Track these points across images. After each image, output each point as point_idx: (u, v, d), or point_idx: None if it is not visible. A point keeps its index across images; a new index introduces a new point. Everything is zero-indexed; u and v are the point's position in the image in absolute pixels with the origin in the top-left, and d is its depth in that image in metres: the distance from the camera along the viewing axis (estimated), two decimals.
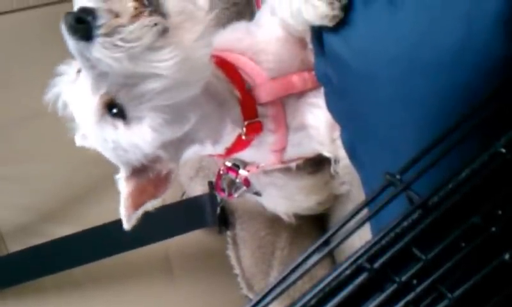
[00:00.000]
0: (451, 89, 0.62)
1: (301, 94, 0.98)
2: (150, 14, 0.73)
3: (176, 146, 0.87)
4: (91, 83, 0.77)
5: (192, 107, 0.84)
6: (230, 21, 1.08)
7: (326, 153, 1.00)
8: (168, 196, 1.36)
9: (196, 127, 0.86)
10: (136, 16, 0.72)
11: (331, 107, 0.84)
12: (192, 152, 0.92)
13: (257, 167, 1.09)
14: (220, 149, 0.98)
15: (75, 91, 0.81)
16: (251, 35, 1.00)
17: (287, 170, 1.16)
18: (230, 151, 0.99)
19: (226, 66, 0.95)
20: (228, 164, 1.10)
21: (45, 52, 1.29)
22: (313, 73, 0.95)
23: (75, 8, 0.72)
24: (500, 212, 0.47)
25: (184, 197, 1.35)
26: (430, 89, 0.64)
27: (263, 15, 1.01)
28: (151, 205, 0.87)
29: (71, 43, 0.72)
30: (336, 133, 0.92)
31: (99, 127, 0.80)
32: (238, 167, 1.10)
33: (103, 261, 1.24)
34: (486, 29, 0.59)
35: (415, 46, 0.64)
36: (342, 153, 0.93)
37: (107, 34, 0.71)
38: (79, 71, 0.81)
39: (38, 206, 1.31)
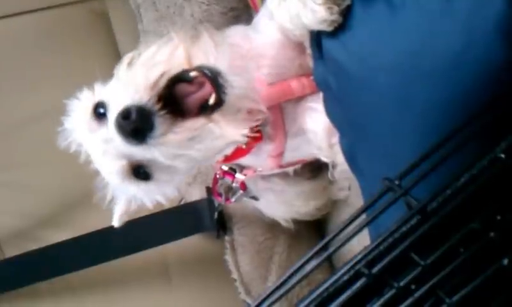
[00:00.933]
0: (451, 96, 0.62)
1: (299, 99, 0.98)
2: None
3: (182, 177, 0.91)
4: (121, 151, 0.78)
5: None
6: (227, 26, 1.07)
7: (324, 158, 1.00)
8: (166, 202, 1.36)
9: None
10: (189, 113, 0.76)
11: (330, 112, 0.84)
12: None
13: (254, 171, 1.08)
14: (219, 157, 0.98)
15: (93, 140, 0.82)
16: (249, 40, 1.00)
17: (285, 175, 1.15)
18: (229, 158, 0.98)
19: None
20: (225, 167, 1.10)
21: (42, 57, 1.29)
22: (311, 78, 0.95)
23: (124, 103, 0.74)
24: (499, 217, 0.47)
25: (182, 203, 1.35)
26: (429, 95, 0.63)
27: (261, 19, 1.00)
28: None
29: (118, 141, 0.75)
30: (335, 138, 0.91)
31: (122, 183, 0.82)
32: (235, 171, 1.10)
33: (100, 266, 1.23)
34: (486, 36, 0.59)
35: (415, 52, 0.64)
36: (339, 159, 0.93)
37: (161, 145, 0.75)
38: (96, 109, 0.81)
39: (35, 212, 1.31)
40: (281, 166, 1.07)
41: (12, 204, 1.30)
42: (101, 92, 0.82)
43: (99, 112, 0.80)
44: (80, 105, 0.84)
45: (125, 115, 0.73)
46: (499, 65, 0.59)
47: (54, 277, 1.23)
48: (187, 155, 0.78)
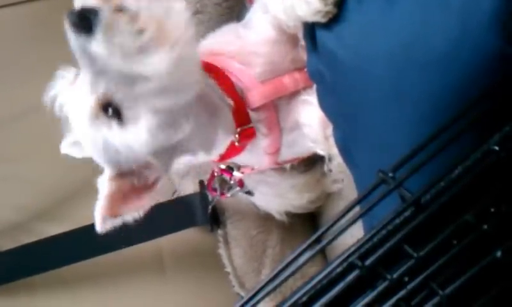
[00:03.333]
0: (445, 87, 0.62)
1: (293, 94, 0.98)
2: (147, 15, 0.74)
3: (168, 154, 0.86)
4: (90, 81, 0.77)
5: (186, 116, 0.83)
6: (221, 17, 1.07)
7: (320, 151, 1.00)
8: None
9: (189, 137, 0.86)
10: (135, 17, 0.73)
11: (324, 104, 0.83)
12: (183, 161, 0.92)
13: (252, 169, 1.08)
14: (213, 156, 0.98)
15: (72, 92, 0.81)
16: (241, 38, 1.00)
17: (280, 168, 1.16)
18: (223, 157, 0.99)
19: (216, 72, 0.95)
20: (223, 166, 1.10)
21: (37, 50, 1.29)
22: (304, 72, 0.95)
23: (77, 6, 0.73)
24: (492, 210, 0.47)
25: (175, 196, 1.35)
26: (424, 86, 0.63)
27: (254, 14, 1.00)
28: (130, 217, 0.85)
29: (73, 39, 0.72)
30: (330, 130, 0.91)
31: (93, 126, 0.79)
32: (232, 169, 1.10)
33: (94, 259, 1.23)
34: (481, 27, 0.59)
35: (409, 43, 0.64)
36: (335, 151, 0.92)
37: (107, 31, 0.71)
38: (77, 75, 0.81)
39: (30, 205, 1.31)
40: (278, 164, 1.07)
41: (7, 198, 1.30)
42: None
43: None
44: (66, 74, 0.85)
45: (78, 13, 0.72)
46: (493, 56, 0.59)
47: (49, 270, 1.23)
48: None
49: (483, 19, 0.59)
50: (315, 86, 0.86)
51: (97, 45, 0.71)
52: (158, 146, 0.82)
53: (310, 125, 0.97)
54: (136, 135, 0.79)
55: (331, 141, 0.92)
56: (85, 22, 0.71)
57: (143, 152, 0.81)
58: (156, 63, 0.74)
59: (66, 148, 0.92)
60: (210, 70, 0.94)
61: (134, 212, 0.85)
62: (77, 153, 0.92)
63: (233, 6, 1.24)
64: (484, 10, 0.59)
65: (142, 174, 0.86)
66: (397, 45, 0.65)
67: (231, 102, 0.93)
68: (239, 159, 1.06)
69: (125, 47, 0.72)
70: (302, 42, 0.93)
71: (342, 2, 0.71)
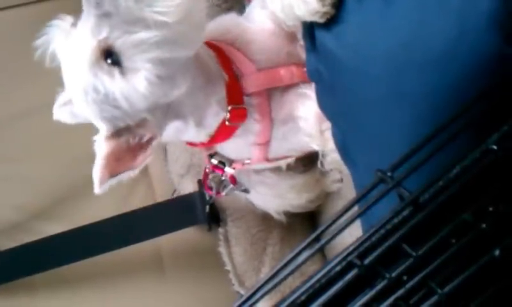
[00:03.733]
0: (443, 87, 0.62)
1: (287, 87, 0.98)
2: None
3: (163, 113, 0.86)
4: (92, 25, 0.75)
5: (184, 74, 0.84)
6: None
7: (314, 146, 0.99)
8: (159, 194, 1.37)
9: (183, 99, 0.87)
10: None
11: (322, 104, 0.84)
12: (174, 130, 0.91)
13: (243, 164, 1.09)
14: (203, 135, 0.98)
15: (68, 41, 0.79)
16: (239, 26, 1.00)
17: (278, 169, 1.16)
18: (213, 139, 0.98)
19: (217, 50, 0.96)
20: (214, 161, 1.10)
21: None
22: (301, 67, 0.96)
23: None
24: (490, 209, 0.47)
25: (175, 195, 1.35)
26: (422, 86, 0.64)
27: (253, 9, 1.01)
28: (127, 176, 0.84)
29: None
30: (325, 124, 0.91)
31: (92, 74, 0.77)
32: (224, 164, 1.10)
33: (94, 259, 1.23)
34: (479, 27, 0.59)
35: (407, 43, 0.64)
36: (330, 145, 0.93)
37: None
38: (73, 25, 0.79)
39: (30, 205, 1.31)
40: (268, 160, 1.07)
41: (7, 197, 1.30)
42: None
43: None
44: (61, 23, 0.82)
45: None
46: (491, 57, 0.59)
47: (49, 270, 1.23)
48: None
49: (481, 19, 0.59)
50: (313, 84, 0.86)
51: None
52: (155, 102, 0.82)
53: (306, 118, 0.97)
54: (136, 85, 0.78)
55: (326, 135, 0.92)
56: None
57: (141, 105, 0.80)
58: (166, 11, 0.74)
59: (57, 111, 0.90)
60: (211, 46, 0.96)
61: (129, 171, 0.84)
62: (69, 119, 0.90)
63: (233, 7, 1.25)
64: (482, 10, 0.59)
65: (137, 132, 0.84)
66: (396, 45, 0.65)
67: (226, 77, 0.94)
68: (228, 149, 1.06)
69: None
70: (301, 41, 0.94)
71: (340, 3, 0.72)
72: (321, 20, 0.74)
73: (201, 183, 1.24)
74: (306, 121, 0.97)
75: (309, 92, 0.94)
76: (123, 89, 0.78)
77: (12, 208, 1.30)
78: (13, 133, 1.30)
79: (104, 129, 0.82)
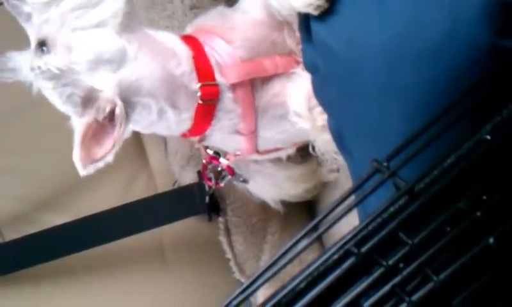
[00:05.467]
0: (437, 79, 0.63)
1: (270, 77, 0.99)
2: None
3: (126, 88, 0.89)
4: (29, 35, 0.87)
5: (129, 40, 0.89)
6: None
7: (303, 124, 0.98)
8: (160, 185, 1.38)
9: (141, 73, 0.90)
10: None
11: (319, 95, 0.84)
12: (155, 116, 0.93)
13: (234, 155, 1.09)
14: (185, 120, 0.98)
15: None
16: (224, 17, 1.01)
17: (276, 160, 1.16)
18: (195, 126, 0.99)
19: (190, 39, 0.98)
20: (210, 152, 1.11)
21: None
22: (285, 57, 0.96)
23: None
24: (485, 197, 0.48)
25: (176, 186, 1.36)
26: (416, 78, 0.64)
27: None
28: (110, 157, 0.88)
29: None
30: (314, 101, 0.91)
31: (36, 62, 0.86)
32: (219, 155, 1.10)
33: (97, 249, 1.24)
34: (472, 19, 0.60)
35: (402, 35, 0.64)
36: (319, 123, 0.93)
37: None
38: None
39: (33, 196, 1.32)
40: (258, 152, 1.07)
41: (12, 190, 1.31)
42: None
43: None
44: None
45: None
46: (484, 50, 0.60)
47: (53, 260, 1.24)
48: None
49: (474, 11, 0.59)
50: (301, 68, 0.87)
51: None
52: (97, 61, 0.87)
53: (296, 97, 0.96)
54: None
55: (315, 112, 0.92)
56: None
57: (81, 66, 0.86)
58: None
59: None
60: (186, 39, 0.97)
61: (109, 150, 0.88)
62: None
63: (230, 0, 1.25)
64: (475, 2, 0.59)
65: (97, 107, 0.88)
66: (390, 37, 0.65)
67: (191, 53, 0.95)
68: (216, 141, 1.07)
69: None
70: (286, 30, 0.94)
71: None
72: (315, 13, 0.74)
73: (200, 174, 1.25)
74: (295, 100, 0.96)
75: (299, 71, 0.94)
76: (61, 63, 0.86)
77: (16, 200, 1.31)
78: (16, 126, 1.30)
79: (70, 112, 0.89)
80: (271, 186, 1.21)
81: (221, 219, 1.32)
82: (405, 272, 0.47)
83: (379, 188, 0.47)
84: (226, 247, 1.32)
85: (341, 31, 0.71)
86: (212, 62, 0.96)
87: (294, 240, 0.48)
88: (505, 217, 0.47)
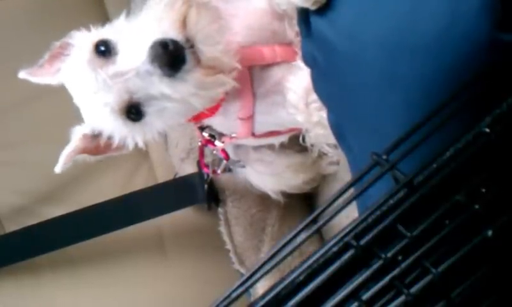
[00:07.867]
0: (436, 72, 0.62)
1: (269, 65, 0.99)
2: None
3: None
4: (131, 85, 0.80)
5: None
6: None
7: (299, 118, 0.98)
8: (161, 177, 1.38)
9: None
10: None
11: (318, 88, 0.84)
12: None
13: (230, 138, 1.09)
14: None
15: (97, 77, 0.82)
16: (228, 3, 1.00)
17: (276, 148, 1.16)
18: (198, 117, 0.99)
19: None
20: (205, 134, 1.11)
21: (38, 37, 1.29)
22: (284, 47, 0.96)
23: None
24: (483, 190, 0.48)
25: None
26: (415, 71, 0.64)
27: None
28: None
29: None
30: (312, 97, 0.91)
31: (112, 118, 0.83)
32: (214, 137, 1.11)
33: (97, 240, 1.25)
34: (471, 13, 0.59)
35: (400, 29, 0.64)
36: (314, 119, 0.94)
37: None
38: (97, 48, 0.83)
39: (34, 189, 1.32)
40: (254, 135, 1.07)
41: (12, 182, 1.31)
42: (100, 32, 0.85)
43: (100, 50, 0.82)
44: (77, 46, 0.86)
45: (163, 45, 0.75)
46: (482, 43, 0.60)
47: (53, 251, 1.24)
48: (201, 96, 0.82)
49: (473, 5, 0.59)
50: (302, 62, 0.87)
51: (167, 87, 0.78)
52: None
53: (295, 90, 0.96)
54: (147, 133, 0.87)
55: (312, 108, 0.93)
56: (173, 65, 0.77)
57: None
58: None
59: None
60: None
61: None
62: None
63: None
64: None
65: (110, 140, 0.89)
66: (389, 30, 0.65)
67: None
68: (214, 123, 1.07)
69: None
70: (287, 20, 0.94)
71: None
72: (313, 7, 0.74)
73: (199, 164, 1.25)
74: (293, 93, 0.96)
75: (300, 64, 0.94)
76: (135, 133, 0.86)
77: (16, 192, 1.31)
78: (16, 119, 1.31)
79: (87, 127, 0.88)
80: (271, 175, 1.22)
81: (220, 210, 1.33)
82: (404, 265, 0.47)
83: (379, 181, 0.48)
84: (225, 238, 1.33)
85: (340, 25, 0.71)
86: None
87: (293, 233, 0.48)
88: (503, 209, 0.47)
